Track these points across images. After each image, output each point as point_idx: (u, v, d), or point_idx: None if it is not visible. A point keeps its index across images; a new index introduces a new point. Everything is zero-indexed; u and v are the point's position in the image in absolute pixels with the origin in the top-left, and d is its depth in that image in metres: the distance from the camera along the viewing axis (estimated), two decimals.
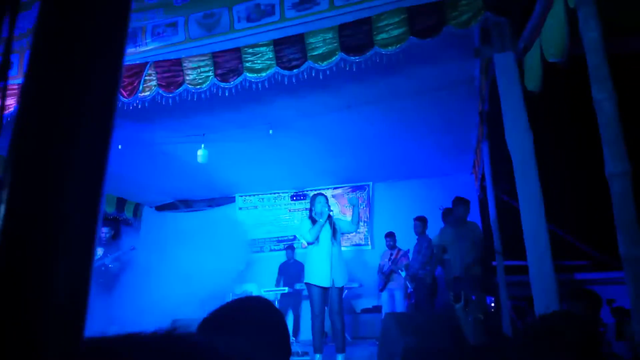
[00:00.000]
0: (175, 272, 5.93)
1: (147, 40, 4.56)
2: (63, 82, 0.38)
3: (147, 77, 4.46)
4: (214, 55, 4.37)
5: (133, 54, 4.59)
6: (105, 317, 4.92)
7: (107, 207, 8.86)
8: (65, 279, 0.34)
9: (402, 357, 4.26)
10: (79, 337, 0.34)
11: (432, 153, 7.52)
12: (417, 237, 7.07)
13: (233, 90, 4.39)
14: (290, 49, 4.18)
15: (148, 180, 8.23)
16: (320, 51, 4.11)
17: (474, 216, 7.11)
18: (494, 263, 6.31)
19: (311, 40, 4.13)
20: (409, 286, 7.19)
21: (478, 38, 4.08)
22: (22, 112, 0.38)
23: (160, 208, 9.93)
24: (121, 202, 9.26)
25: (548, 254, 3.22)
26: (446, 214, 6.35)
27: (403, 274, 7.25)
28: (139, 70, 4.46)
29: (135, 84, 4.43)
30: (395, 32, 3.91)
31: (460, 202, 5.87)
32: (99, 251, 6.53)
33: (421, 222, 7.06)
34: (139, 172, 7.62)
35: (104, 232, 6.83)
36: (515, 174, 3.48)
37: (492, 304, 6.02)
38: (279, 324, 1.11)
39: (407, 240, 7.36)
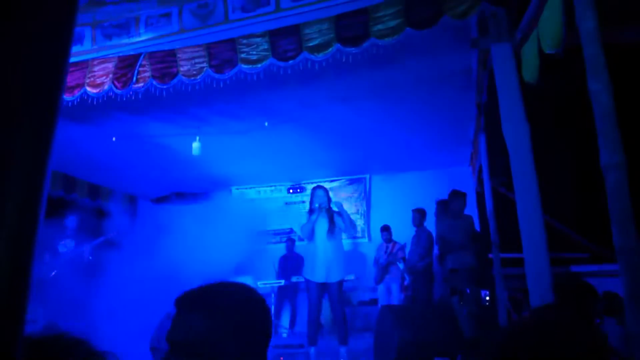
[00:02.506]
0: (170, 264, 5.91)
1: (140, 31, 4.51)
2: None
3: (140, 68, 4.41)
4: (209, 46, 4.32)
5: (126, 44, 4.55)
6: (100, 309, 4.90)
7: (102, 199, 8.83)
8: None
9: (398, 349, 4.27)
10: (16, 335, 0.32)
11: (429, 145, 7.50)
12: (415, 229, 7.06)
13: (228, 82, 4.35)
14: (285, 39, 4.13)
15: (143, 173, 8.20)
16: (316, 42, 4.07)
17: (471, 209, 7.11)
18: (490, 255, 6.31)
19: (307, 31, 4.09)
20: (407, 278, 7.20)
21: (475, 29, 4.04)
22: None
23: (156, 200, 9.91)
24: (116, 194, 9.25)
25: (544, 246, 3.21)
26: (440, 207, 6.34)
27: (401, 266, 7.26)
28: (132, 62, 4.41)
29: (128, 75, 4.38)
30: (392, 23, 3.87)
31: (457, 195, 5.86)
32: (71, 243, 6.35)
33: (420, 214, 7.06)
34: (133, 164, 7.59)
35: (71, 220, 6.49)
36: (512, 166, 3.46)
37: (487, 297, 6.03)
38: (258, 307, 1.09)
39: (404, 233, 7.36)
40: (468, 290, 4.29)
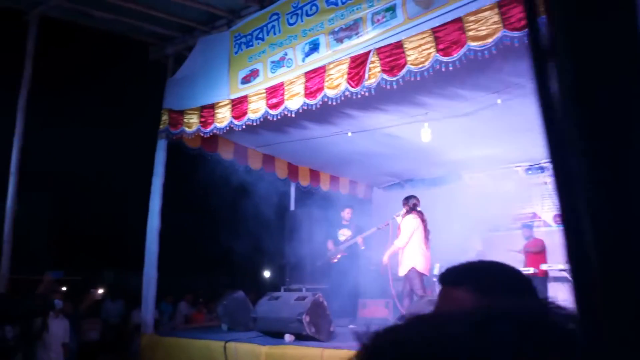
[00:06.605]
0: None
1: (368, 29, 4.69)
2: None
3: (371, 65, 4.59)
4: (434, 31, 4.24)
5: (356, 45, 4.78)
6: None
7: (342, 189, 9.62)
8: None
9: None
10: None
11: None
12: None
13: (457, 63, 4.19)
14: (518, 7, 3.76)
15: (377, 162, 8.58)
16: None
17: None
18: None
19: None
20: None
21: None
22: None
23: (388, 189, 10.30)
24: (353, 185, 9.97)
25: None
26: None
27: None
28: (363, 60, 4.62)
29: (361, 73, 4.61)
30: None
31: None
32: (347, 232, 7.45)
33: None
34: (367, 156, 8.00)
35: (347, 213, 7.75)
36: None
37: None
38: (526, 287, 1.03)
39: None
40: None
